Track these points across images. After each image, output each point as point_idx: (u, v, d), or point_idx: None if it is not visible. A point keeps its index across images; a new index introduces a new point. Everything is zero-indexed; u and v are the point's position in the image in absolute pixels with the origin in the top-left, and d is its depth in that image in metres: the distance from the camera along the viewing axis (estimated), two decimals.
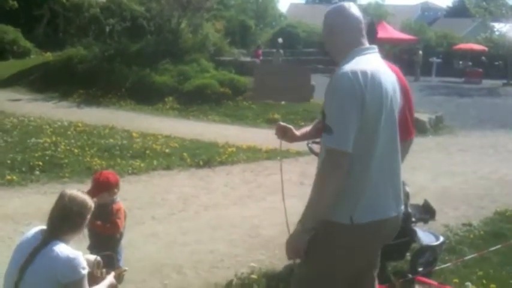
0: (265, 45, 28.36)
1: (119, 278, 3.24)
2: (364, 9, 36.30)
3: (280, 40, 28.65)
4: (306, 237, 2.39)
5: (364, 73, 2.30)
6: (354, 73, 2.30)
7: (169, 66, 15.96)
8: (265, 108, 14.37)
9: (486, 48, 30.91)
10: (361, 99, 2.27)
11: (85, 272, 2.67)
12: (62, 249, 2.64)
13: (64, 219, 2.72)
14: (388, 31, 30.92)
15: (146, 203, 6.30)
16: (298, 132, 3.37)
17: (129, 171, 7.59)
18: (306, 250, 2.43)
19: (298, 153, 9.63)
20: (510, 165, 9.47)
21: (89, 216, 2.83)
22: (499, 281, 4.34)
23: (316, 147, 4.72)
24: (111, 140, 9.45)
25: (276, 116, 13.70)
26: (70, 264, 2.61)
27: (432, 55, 32.26)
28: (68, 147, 8.63)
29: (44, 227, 2.81)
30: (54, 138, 9.18)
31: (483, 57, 31.36)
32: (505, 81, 26.95)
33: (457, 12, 53.57)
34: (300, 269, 2.62)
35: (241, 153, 9.19)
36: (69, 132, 10.15)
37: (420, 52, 30.28)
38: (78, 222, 2.78)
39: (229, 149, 9.31)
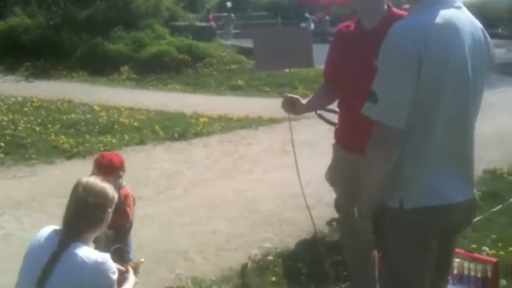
0: (214, 9, 27.54)
1: (135, 271, 2.84)
2: None
3: (229, 4, 27.95)
4: (369, 225, 2.08)
5: (424, 29, 1.85)
6: (411, 29, 1.86)
7: (122, 33, 15.11)
8: (228, 74, 13.92)
9: None
10: (417, 62, 1.82)
11: (115, 276, 2.27)
12: (87, 252, 2.21)
13: (81, 215, 2.26)
14: None
15: (128, 182, 5.79)
16: (305, 102, 3.06)
17: (101, 148, 7.04)
18: (377, 239, 2.11)
19: (273, 120, 9.34)
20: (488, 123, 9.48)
21: (111, 209, 2.39)
22: None
23: (331, 115, 4.41)
24: (73, 115, 8.80)
25: (240, 82, 13.31)
26: (99, 270, 2.19)
27: None
28: (29, 125, 7.97)
29: (57, 226, 2.36)
30: (11, 116, 8.46)
31: None
32: None
33: None
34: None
35: (215, 124, 8.76)
36: (25, 109, 9.40)
37: None
38: (99, 216, 2.33)
39: (202, 120, 8.86)
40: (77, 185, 2.34)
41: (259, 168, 6.55)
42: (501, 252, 3.95)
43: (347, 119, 2.99)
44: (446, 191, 2.00)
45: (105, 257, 2.24)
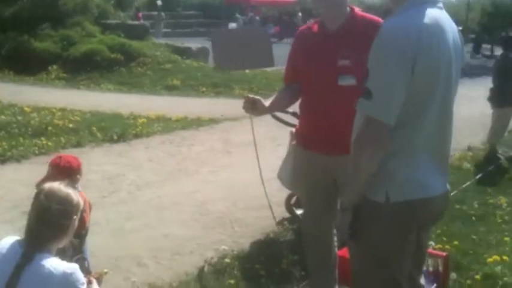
0: (143, 8, 27.00)
1: (99, 282, 2.72)
2: None
3: (159, 2, 27.57)
4: (348, 217, 2.10)
5: (418, 30, 1.91)
6: (405, 29, 1.91)
7: (50, 31, 14.45)
8: (162, 74, 13.70)
9: (359, 10, 32.20)
10: (411, 62, 1.88)
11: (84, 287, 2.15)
12: (54, 263, 2.09)
13: (45, 224, 2.13)
14: None
15: None
16: (267, 104, 3.06)
17: (36, 152, 6.70)
18: (352, 231, 2.14)
19: (212, 121, 9.29)
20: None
21: (76, 217, 2.27)
22: (459, 237, 4.39)
23: (283, 115, 4.43)
24: (3, 117, 8.30)
25: (175, 82, 13.14)
26: (68, 282, 2.07)
27: (309, 17, 33.05)
28: None
29: (18, 237, 2.21)
30: None
31: None
32: None
33: None
34: (351, 250, 2.30)
35: (154, 124, 8.57)
36: None
37: (300, 14, 30.88)
38: (64, 224, 2.20)
39: (141, 120, 8.64)
40: (39, 192, 2.21)
41: (204, 169, 6.48)
42: (447, 246, 4.10)
43: (311, 119, 3.00)
44: (429, 184, 2.08)
45: (73, 268, 2.12)
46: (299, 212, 4.69)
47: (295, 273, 3.75)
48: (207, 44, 19.35)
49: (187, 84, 13.04)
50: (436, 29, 1.98)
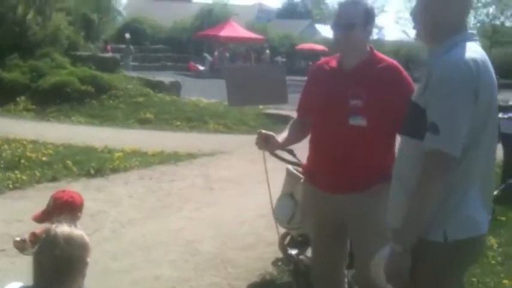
0: (111, 41, 26.81)
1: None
2: (210, 8, 36.40)
3: (127, 36, 27.51)
4: (409, 259, 2.00)
5: (476, 63, 1.95)
6: (467, 62, 1.93)
7: (19, 61, 14.08)
8: (135, 107, 13.49)
9: (326, 49, 32.88)
10: (474, 94, 1.92)
11: None
12: None
13: (64, 273, 1.93)
14: (236, 30, 31.49)
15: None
16: (280, 139, 2.98)
17: (10, 186, 6.38)
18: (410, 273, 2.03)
19: (190, 155, 9.13)
20: None
21: (89, 259, 2.08)
22: None
23: (279, 151, 4.33)
24: None
25: (148, 115, 12.96)
26: None
27: (277, 54, 33.55)
28: None
29: (21, 283, 2.01)
30: None
31: (322, 57, 33.22)
32: None
33: (288, 13, 56.52)
34: None
35: (131, 159, 8.33)
36: None
37: (267, 51, 31.31)
38: (82, 271, 2.03)
39: (117, 154, 8.39)
40: (54, 237, 1.98)
41: (188, 205, 6.28)
42: None
43: (320, 156, 2.91)
44: (482, 221, 2.05)
45: None
46: (294, 252, 4.55)
47: None
48: (179, 78, 19.35)
49: (161, 118, 12.87)
50: (486, 62, 2.00)
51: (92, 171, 7.34)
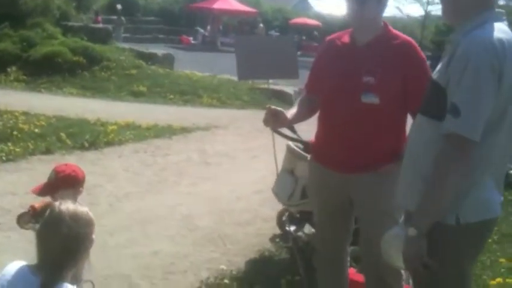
0: (102, 12, 26.36)
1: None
2: None
3: (119, 7, 27.00)
4: (425, 242, 1.97)
5: (502, 43, 1.87)
6: (493, 43, 1.85)
7: (9, 31, 13.78)
8: (128, 79, 13.30)
9: (320, 24, 32.57)
10: (498, 76, 1.84)
11: None
12: None
13: (71, 251, 1.89)
14: (229, 2, 31.03)
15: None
16: (289, 115, 2.90)
17: (3, 158, 6.29)
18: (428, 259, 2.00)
19: (184, 129, 9.06)
20: None
21: (94, 236, 2.05)
22: None
23: (286, 130, 4.27)
24: None
25: (141, 88, 12.79)
26: None
27: (270, 28, 33.17)
28: None
29: (24, 262, 1.95)
30: None
31: (315, 32, 32.97)
32: None
33: None
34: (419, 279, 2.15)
35: (125, 132, 8.24)
36: None
37: (261, 25, 30.94)
38: (88, 248, 2.00)
39: (111, 127, 8.29)
40: (59, 215, 1.92)
41: (185, 180, 6.24)
42: None
43: (329, 134, 2.85)
44: (495, 204, 2.02)
45: None
46: (292, 228, 4.54)
47: None
48: (172, 51, 19.10)
49: (154, 91, 12.72)
50: None
51: (86, 144, 7.25)
